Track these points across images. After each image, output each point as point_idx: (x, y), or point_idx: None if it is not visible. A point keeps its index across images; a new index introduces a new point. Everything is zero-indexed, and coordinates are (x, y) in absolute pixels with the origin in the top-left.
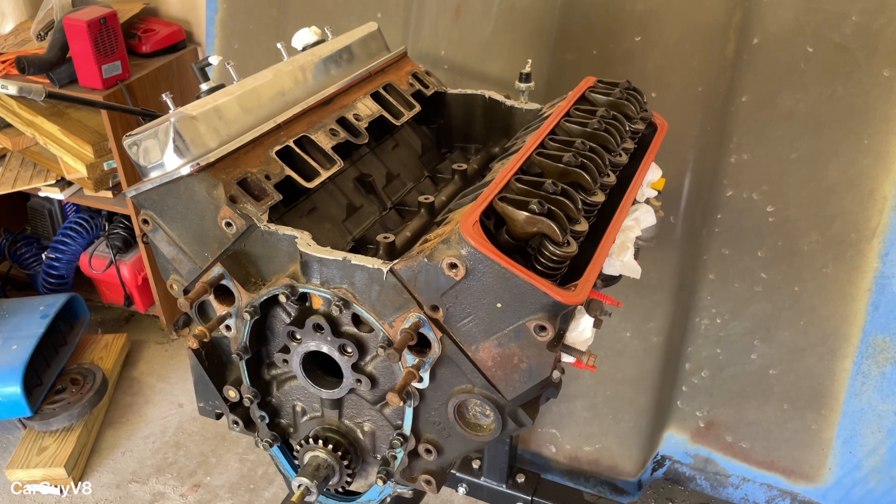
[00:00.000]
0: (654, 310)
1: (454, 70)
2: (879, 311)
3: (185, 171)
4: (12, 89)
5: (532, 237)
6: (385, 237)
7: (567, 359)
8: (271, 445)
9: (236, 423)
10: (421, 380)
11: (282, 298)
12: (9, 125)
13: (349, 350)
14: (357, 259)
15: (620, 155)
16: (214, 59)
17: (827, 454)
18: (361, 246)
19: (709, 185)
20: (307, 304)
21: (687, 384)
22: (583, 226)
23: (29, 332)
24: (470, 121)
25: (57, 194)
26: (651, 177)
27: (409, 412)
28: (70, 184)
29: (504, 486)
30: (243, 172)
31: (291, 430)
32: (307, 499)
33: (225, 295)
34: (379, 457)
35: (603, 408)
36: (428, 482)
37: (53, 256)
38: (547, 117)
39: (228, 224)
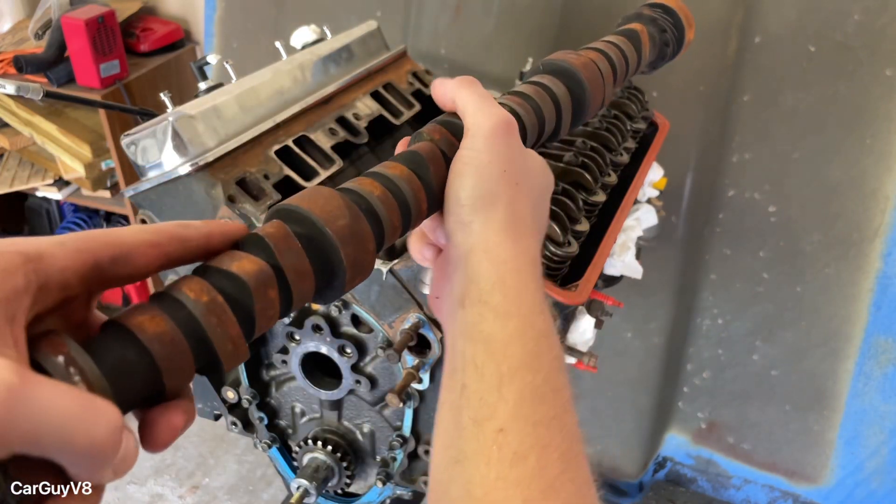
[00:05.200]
0: (655, 310)
1: (454, 69)
2: (882, 311)
3: (184, 170)
4: (10, 88)
5: None
6: None
7: (568, 360)
8: (270, 447)
9: (235, 424)
10: (421, 381)
11: None
12: (6, 125)
13: (348, 351)
14: None
15: (622, 154)
16: (213, 58)
17: (829, 455)
18: None
19: (710, 184)
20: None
21: (688, 385)
22: (584, 225)
23: None
24: None
25: (55, 194)
26: (652, 176)
27: (408, 413)
28: (68, 183)
29: None
30: (242, 172)
31: (290, 431)
32: (306, 500)
33: None
34: (378, 458)
35: (604, 409)
36: (428, 484)
37: None
38: None
39: None
